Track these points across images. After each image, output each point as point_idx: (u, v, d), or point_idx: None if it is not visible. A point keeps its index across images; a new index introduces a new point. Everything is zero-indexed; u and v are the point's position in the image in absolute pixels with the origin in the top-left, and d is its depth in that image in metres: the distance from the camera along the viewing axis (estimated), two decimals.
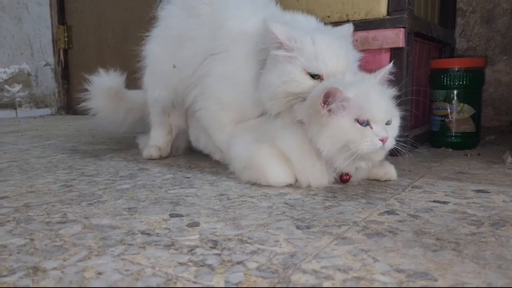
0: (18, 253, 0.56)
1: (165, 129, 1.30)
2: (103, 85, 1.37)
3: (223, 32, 1.02)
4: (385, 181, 0.95)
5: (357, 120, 0.80)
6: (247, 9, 1.03)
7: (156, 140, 1.29)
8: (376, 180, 0.95)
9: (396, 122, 0.86)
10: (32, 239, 0.61)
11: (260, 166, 0.90)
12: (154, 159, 1.26)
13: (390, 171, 0.95)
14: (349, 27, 1.01)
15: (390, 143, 0.82)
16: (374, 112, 0.80)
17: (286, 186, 0.90)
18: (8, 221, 0.69)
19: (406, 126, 1.27)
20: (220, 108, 1.04)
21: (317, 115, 0.82)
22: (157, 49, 1.20)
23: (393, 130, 0.85)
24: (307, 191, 0.86)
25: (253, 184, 0.92)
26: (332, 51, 0.88)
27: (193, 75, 1.08)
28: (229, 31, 1.01)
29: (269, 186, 0.90)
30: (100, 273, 0.50)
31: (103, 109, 1.40)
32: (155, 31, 1.22)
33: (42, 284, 0.47)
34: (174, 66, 1.14)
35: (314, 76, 0.87)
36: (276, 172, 0.89)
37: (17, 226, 0.67)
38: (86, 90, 1.38)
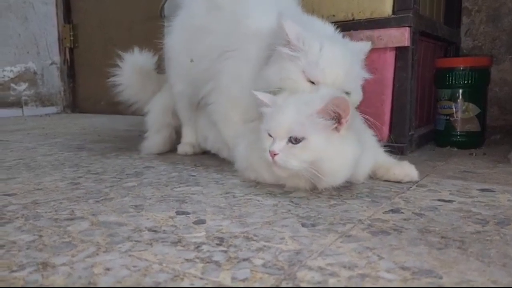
0: (27, 249, 0.57)
1: (194, 126, 1.29)
2: (135, 63, 1.40)
3: (240, 29, 1.02)
4: (406, 182, 0.92)
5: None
6: (267, 7, 1.02)
7: (189, 137, 1.31)
8: (397, 182, 0.92)
9: (309, 144, 0.77)
10: (40, 236, 0.62)
11: (255, 166, 0.92)
12: (189, 155, 1.29)
13: (411, 173, 0.92)
14: (365, 45, 0.97)
15: (279, 159, 0.78)
16: (269, 125, 0.82)
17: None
18: (17, 217, 0.70)
19: (411, 125, 1.28)
20: (230, 105, 1.05)
21: None
22: (177, 41, 1.18)
23: (302, 152, 0.77)
24: (312, 190, 0.86)
25: (258, 182, 0.92)
26: (335, 64, 0.86)
27: (209, 68, 1.08)
28: (246, 28, 1.01)
29: (271, 184, 0.90)
30: (108, 269, 0.50)
31: (131, 86, 1.42)
32: (176, 21, 1.19)
33: (51, 279, 0.48)
34: (191, 60, 1.13)
35: (312, 81, 0.87)
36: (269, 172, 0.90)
37: (25, 222, 0.68)
38: (117, 66, 1.40)
